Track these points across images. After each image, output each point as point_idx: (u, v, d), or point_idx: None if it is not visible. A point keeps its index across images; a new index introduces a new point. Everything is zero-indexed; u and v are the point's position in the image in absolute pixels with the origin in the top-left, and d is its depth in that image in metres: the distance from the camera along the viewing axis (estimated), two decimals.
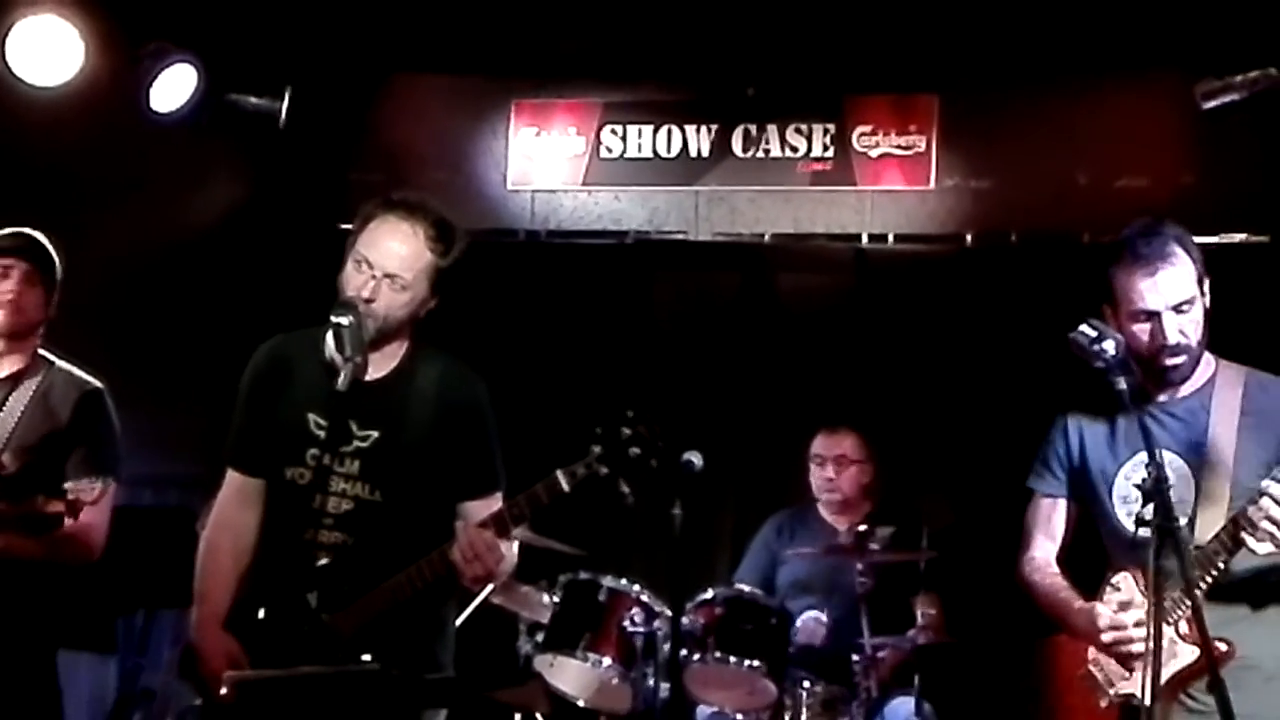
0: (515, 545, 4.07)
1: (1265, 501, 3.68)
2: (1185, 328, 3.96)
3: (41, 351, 5.01)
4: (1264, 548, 3.72)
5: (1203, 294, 4.00)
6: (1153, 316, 3.96)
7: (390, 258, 4.01)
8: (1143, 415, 3.83)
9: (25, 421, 4.85)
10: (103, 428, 4.96)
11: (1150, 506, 3.58)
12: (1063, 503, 4.25)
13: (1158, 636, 3.59)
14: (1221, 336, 4.11)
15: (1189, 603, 3.69)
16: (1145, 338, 3.98)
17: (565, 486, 3.86)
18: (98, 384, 5.01)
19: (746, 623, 5.73)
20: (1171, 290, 3.94)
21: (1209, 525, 3.88)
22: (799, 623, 6.07)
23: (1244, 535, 3.74)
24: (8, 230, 4.96)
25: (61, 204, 6.21)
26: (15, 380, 4.92)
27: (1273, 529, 3.68)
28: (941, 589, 6.16)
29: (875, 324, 7.27)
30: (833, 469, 6.58)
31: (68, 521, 4.56)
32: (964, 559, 6.20)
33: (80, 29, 6.18)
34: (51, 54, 6.16)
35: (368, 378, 4.02)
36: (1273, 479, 3.69)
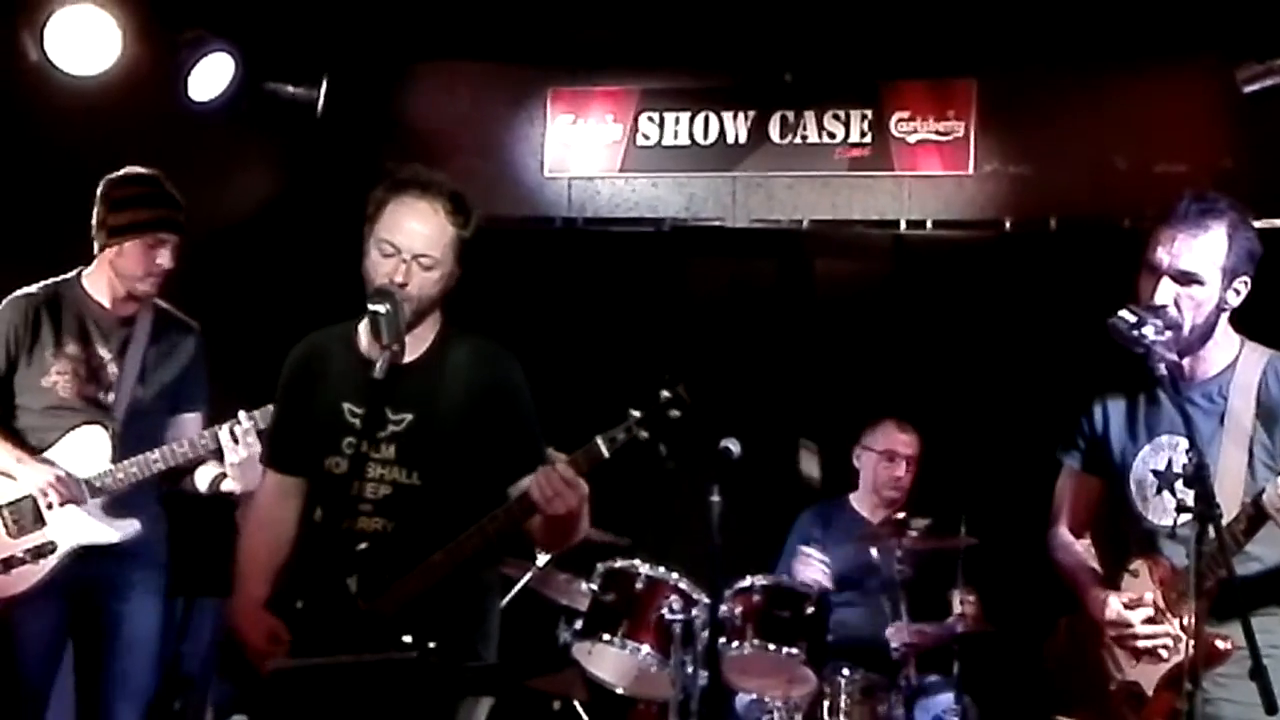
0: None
1: None
2: (1182, 302, 3.82)
3: None
4: None
5: (1226, 287, 3.84)
6: (1154, 272, 3.85)
7: (416, 239, 3.97)
8: (1184, 402, 3.78)
9: (151, 355, 5.23)
10: (205, 363, 5.40)
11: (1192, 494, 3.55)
12: (1086, 476, 4.21)
13: (1199, 625, 3.56)
14: (1260, 322, 4.04)
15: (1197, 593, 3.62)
16: (1145, 294, 3.87)
17: (605, 452, 3.79)
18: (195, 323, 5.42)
19: (785, 610, 5.73)
20: (1183, 257, 3.82)
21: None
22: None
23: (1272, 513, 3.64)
24: (151, 174, 5.32)
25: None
26: (134, 319, 5.24)
27: None
28: (980, 580, 6.14)
29: (913, 310, 7.25)
30: (903, 467, 6.57)
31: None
32: (1004, 547, 6.18)
33: (118, 18, 6.19)
34: (90, 43, 6.17)
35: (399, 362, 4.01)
36: None
